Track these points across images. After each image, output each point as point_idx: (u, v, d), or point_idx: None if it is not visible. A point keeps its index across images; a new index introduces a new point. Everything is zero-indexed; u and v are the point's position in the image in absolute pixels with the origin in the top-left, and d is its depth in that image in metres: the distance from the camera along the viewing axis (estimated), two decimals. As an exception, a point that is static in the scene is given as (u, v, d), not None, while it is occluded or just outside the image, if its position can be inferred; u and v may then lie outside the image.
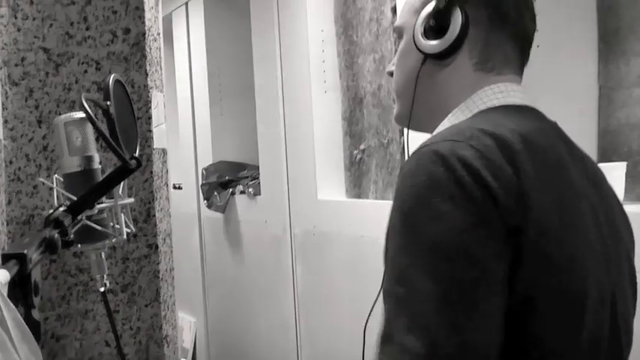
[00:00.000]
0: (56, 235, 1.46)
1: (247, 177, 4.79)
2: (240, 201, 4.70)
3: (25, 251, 1.29)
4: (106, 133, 1.58)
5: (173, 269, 2.61)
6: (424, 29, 1.36)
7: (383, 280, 1.29)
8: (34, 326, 1.29)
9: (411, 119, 1.43)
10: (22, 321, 1.23)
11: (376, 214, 3.20)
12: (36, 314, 1.33)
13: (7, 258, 1.28)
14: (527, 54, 1.42)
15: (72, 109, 2.40)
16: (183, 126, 5.64)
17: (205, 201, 4.99)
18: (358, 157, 3.51)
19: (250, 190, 4.52)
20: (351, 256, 3.44)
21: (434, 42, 1.34)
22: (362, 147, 3.47)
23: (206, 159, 5.19)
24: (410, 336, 1.07)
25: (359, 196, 3.54)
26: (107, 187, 1.61)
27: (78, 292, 2.39)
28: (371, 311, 1.48)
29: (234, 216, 4.77)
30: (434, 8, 1.35)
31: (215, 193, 4.90)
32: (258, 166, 4.59)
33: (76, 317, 2.37)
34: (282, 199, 4.10)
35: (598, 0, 2.64)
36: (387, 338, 1.12)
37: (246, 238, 4.66)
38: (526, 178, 1.15)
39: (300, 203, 3.94)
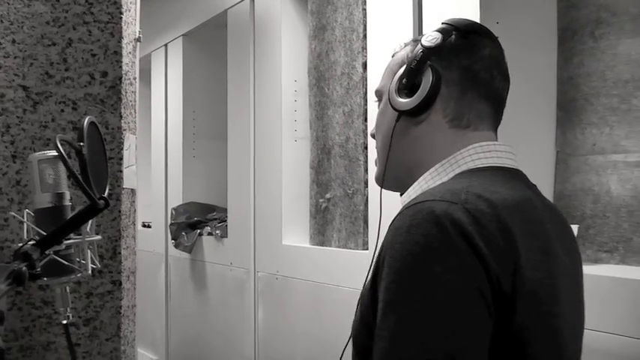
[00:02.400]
0: (24, 268, 1.52)
1: (216, 219, 4.85)
2: (207, 242, 4.76)
3: (-6, 282, 1.36)
4: (78, 172, 1.65)
5: (135, 306, 2.67)
6: (398, 88, 1.41)
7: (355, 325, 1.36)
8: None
9: (384, 179, 1.48)
10: (-13, 348, 1.30)
11: (339, 262, 3.28)
12: (0, 343, 1.40)
13: (-24, 287, 1.34)
14: (500, 112, 1.47)
15: (47, 146, 2.47)
16: (155, 165, 5.70)
17: (173, 241, 5.04)
18: (324, 205, 3.59)
19: (218, 232, 4.58)
20: (312, 301, 3.51)
21: (406, 99, 1.39)
22: (328, 196, 3.55)
23: (176, 199, 5.25)
24: None
25: (322, 244, 3.61)
26: (76, 224, 1.68)
27: (41, 325, 2.44)
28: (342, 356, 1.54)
29: (201, 257, 4.83)
30: (406, 67, 1.41)
31: (183, 233, 4.96)
32: (226, 209, 4.66)
33: (38, 349, 2.42)
34: (248, 243, 4.16)
35: (558, 70, 2.75)
36: None
37: (211, 279, 4.71)
38: (517, 250, 1.21)
39: (265, 247, 4.01)
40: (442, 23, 1.43)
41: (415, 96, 1.38)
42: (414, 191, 1.41)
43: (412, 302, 1.16)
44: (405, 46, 1.51)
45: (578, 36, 2.69)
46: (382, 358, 1.17)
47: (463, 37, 1.41)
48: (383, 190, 1.52)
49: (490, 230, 1.19)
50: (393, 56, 1.54)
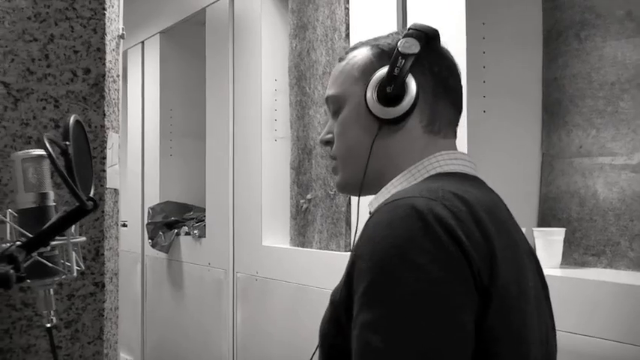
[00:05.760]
0: (11, 271, 1.49)
1: (193, 218, 4.82)
2: (185, 242, 4.73)
3: (-18, 285, 1.33)
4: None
5: (118, 308, 2.63)
6: (378, 96, 1.41)
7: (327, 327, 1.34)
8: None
9: (362, 187, 1.46)
10: (-24, 353, 1.27)
11: (320, 263, 3.26)
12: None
13: (-37, 291, 1.31)
14: (459, 116, 1.52)
15: (28, 144, 2.43)
16: (132, 163, 5.66)
17: (150, 240, 5.00)
18: (304, 206, 3.57)
19: (195, 231, 4.55)
20: (292, 303, 3.48)
21: (391, 108, 1.40)
22: (308, 196, 3.53)
23: (153, 198, 5.21)
24: None
25: (303, 245, 3.59)
26: (63, 226, 1.64)
27: (21, 327, 2.40)
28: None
29: (178, 257, 4.79)
30: (387, 76, 1.41)
31: (160, 232, 4.91)
32: (204, 208, 4.63)
33: (18, 352, 2.37)
34: (226, 243, 4.13)
35: (543, 72, 2.75)
36: None
37: (189, 279, 4.67)
38: (492, 245, 1.22)
39: (244, 248, 3.98)
40: (410, 28, 1.44)
41: (401, 105, 1.40)
42: (382, 196, 1.43)
43: (398, 295, 1.16)
44: (357, 48, 1.52)
45: (562, 37, 2.69)
46: (370, 352, 1.15)
47: (431, 43, 1.45)
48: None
49: (468, 225, 1.21)
50: (341, 60, 1.54)
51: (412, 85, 1.40)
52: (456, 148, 1.49)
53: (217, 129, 4.30)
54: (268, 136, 3.83)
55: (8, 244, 1.70)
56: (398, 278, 1.16)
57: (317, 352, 1.44)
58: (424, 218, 1.19)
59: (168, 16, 5.07)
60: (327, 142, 1.54)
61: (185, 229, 4.76)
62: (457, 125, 1.52)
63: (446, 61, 1.48)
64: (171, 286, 4.91)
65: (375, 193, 1.48)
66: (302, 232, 3.61)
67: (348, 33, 3.22)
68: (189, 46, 5.19)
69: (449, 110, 1.47)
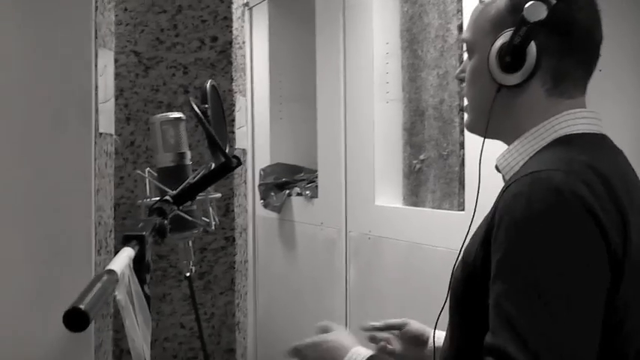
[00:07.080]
0: (165, 222, 1.63)
1: (303, 180, 4.92)
2: (296, 202, 4.84)
3: (145, 233, 1.46)
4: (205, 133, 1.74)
5: (247, 261, 2.77)
6: (499, 62, 1.42)
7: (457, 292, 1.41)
8: (146, 300, 1.46)
9: (486, 133, 1.50)
10: (142, 294, 1.41)
11: (434, 222, 3.33)
12: (147, 290, 1.50)
13: (129, 238, 1.45)
14: (593, 70, 1.49)
15: (159, 109, 2.58)
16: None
17: (262, 200, 5.13)
18: (417, 166, 3.64)
19: (307, 192, 4.64)
20: (406, 262, 3.56)
21: (509, 76, 1.42)
22: (421, 157, 3.60)
23: (264, 160, 5.33)
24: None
25: (416, 205, 3.66)
26: (209, 182, 1.77)
27: (157, 278, 2.56)
28: (437, 319, 1.61)
29: (289, 217, 4.91)
30: (509, 43, 1.40)
31: (272, 193, 5.04)
32: (313, 170, 4.72)
33: (153, 300, 2.53)
34: (339, 203, 4.22)
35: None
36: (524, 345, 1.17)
37: (301, 238, 4.79)
38: (627, 219, 1.26)
39: (357, 207, 4.07)
40: None
41: (520, 73, 1.40)
42: (510, 155, 1.46)
43: (533, 269, 1.20)
44: None
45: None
46: (506, 323, 1.20)
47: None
48: (482, 152, 1.53)
49: (604, 200, 1.24)
50: (481, 1, 1.53)
51: (532, 52, 1.38)
52: (583, 106, 1.47)
53: (328, 92, 4.37)
54: (380, 98, 3.88)
55: (156, 199, 1.84)
56: (535, 253, 1.21)
57: (447, 308, 1.50)
58: (563, 195, 1.22)
59: (277, -17, 5.16)
60: (462, 80, 1.58)
61: (296, 189, 4.86)
62: (587, 81, 1.49)
63: (581, 15, 1.43)
64: (283, 245, 5.04)
65: (501, 140, 1.52)
66: (415, 191, 3.68)
67: (461, -5, 3.25)
68: (297, 11, 5.25)
69: (576, 69, 1.45)
